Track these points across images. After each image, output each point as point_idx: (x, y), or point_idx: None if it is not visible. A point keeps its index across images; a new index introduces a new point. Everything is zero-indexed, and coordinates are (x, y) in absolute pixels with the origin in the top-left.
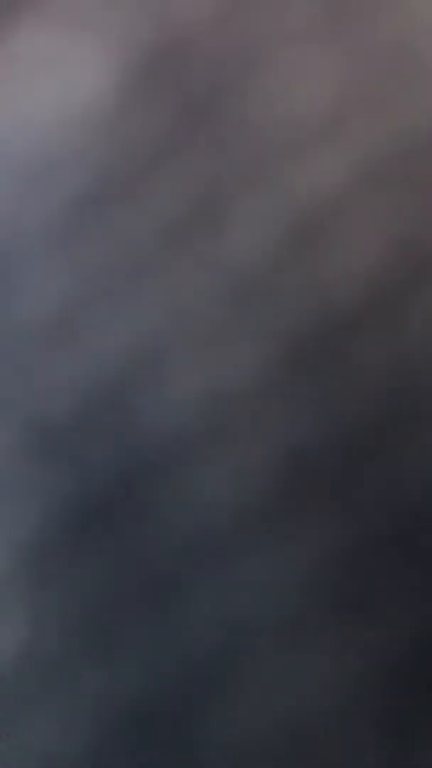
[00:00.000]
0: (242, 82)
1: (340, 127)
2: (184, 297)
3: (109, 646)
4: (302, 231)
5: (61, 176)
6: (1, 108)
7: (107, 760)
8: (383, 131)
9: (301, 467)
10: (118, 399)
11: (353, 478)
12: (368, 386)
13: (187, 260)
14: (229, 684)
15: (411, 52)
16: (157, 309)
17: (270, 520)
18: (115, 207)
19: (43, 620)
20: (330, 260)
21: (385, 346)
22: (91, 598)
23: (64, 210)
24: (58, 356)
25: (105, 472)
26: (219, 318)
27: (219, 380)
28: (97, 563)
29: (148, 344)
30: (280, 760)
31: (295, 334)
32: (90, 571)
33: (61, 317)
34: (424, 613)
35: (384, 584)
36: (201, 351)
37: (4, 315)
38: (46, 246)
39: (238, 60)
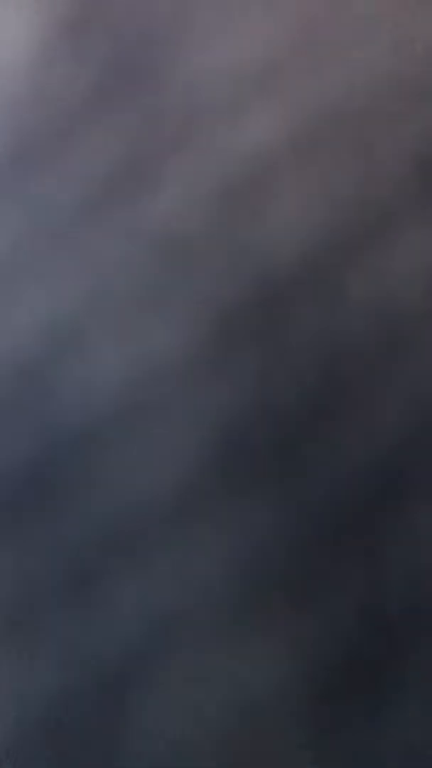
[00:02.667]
0: (172, 38)
1: (274, 84)
2: (106, 265)
3: (27, 639)
4: (233, 193)
5: None
6: None
7: (25, 754)
8: (319, 87)
9: (234, 448)
10: (34, 377)
11: (290, 459)
12: (305, 359)
13: (110, 226)
14: (154, 682)
15: (345, 5)
16: (77, 279)
17: (201, 506)
18: (31, 169)
19: None
20: (263, 224)
21: (322, 317)
22: (5, 589)
23: None
24: None
25: (20, 455)
26: (144, 288)
27: (144, 355)
28: (11, 553)
29: (66, 317)
30: (206, 761)
31: (226, 305)
32: (3, 561)
33: None
34: (364, 605)
35: (323, 573)
36: (125, 324)
37: None
38: None
39: (168, 15)
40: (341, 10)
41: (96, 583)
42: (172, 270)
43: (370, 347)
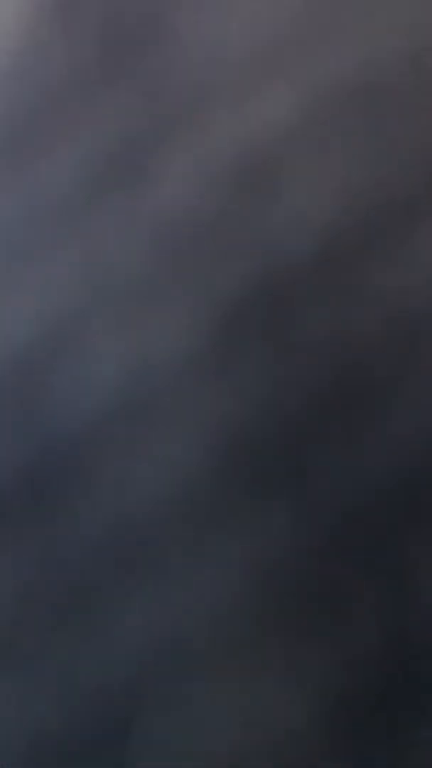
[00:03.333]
0: (175, 15)
1: (288, 60)
2: (106, 256)
3: (22, 659)
4: (243, 179)
5: None
6: None
7: None
8: (341, 65)
9: (240, 452)
10: (29, 374)
11: (299, 463)
12: (316, 358)
13: (110, 214)
14: (155, 707)
15: None
16: (75, 269)
17: (205, 515)
18: (28, 154)
19: None
20: (273, 212)
21: (335, 312)
22: None
23: None
24: None
25: (14, 458)
26: (146, 280)
27: (146, 351)
28: (4, 563)
29: (64, 310)
30: None
31: (232, 298)
32: None
33: None
34: (383, 627)
35: (341, 593)
36: (125, 318)
37: None
38: None
39: None
40: None
41: (94, 596)
42: (175, 261)
43: (386, 346)
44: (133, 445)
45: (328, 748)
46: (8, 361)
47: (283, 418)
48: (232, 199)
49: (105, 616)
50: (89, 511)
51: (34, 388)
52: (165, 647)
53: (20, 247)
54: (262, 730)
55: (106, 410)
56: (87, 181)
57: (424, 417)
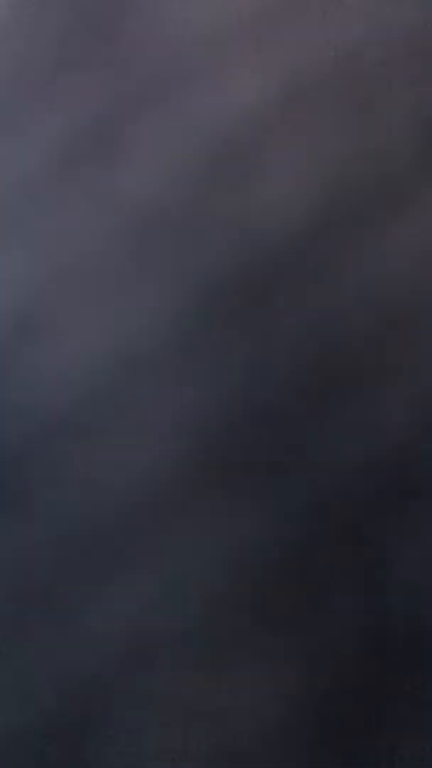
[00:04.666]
0: None
1: (263, 40)
2: (76, 240)
3: None
4: (215, 161)
5: None
6: None
7: None
8: (316, 48)
9: (213, 442)
10: (1, 363)
11: (277, 454)
12: (293, 346)
13: (80, 196)
14: (127, 701)
15: None
16: (44, 254)
17: (181, 505)
18: None
19: None
20: (249, 198)
21: (317, 295)
22: None
23: None
24: None
25: None
26: (118, 264)
27: (118, 338)
28: None
29: (33, 297)
30: None
31: (207, 282)
32: None
33: None
34: (364, 620)
35: (323, 587)
36: (97, 304)
37: None
38: None
39: None
40: None
41: (63, 590)
42: (149, 248)
43: (365, 334)
44: (104, 433)
45: (306, 737)
46: None
47: (256, 407)
48: (206, 186)
49: (72, 607)
50: (57, 500)
51: (4, 376)
52: (134, 638)
53: None
54: (236, 719)
55: (80, 398)
56: (57, 165)
57: (398, 406)
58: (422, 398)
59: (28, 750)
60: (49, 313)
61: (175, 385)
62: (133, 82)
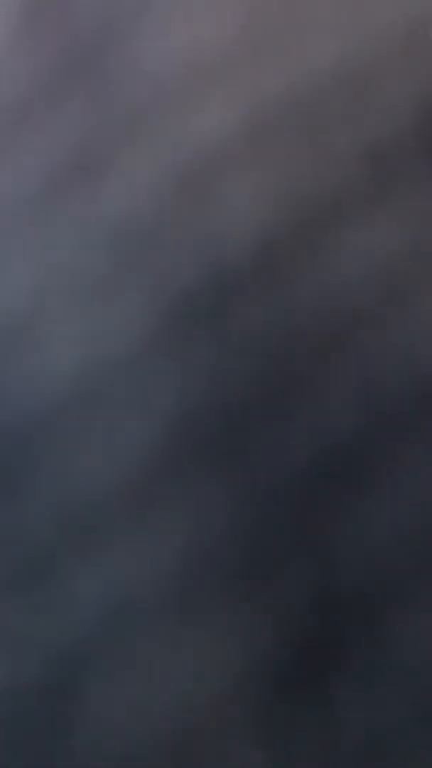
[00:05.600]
0: (127, 26)
1: (229, 74)
2: (58, 254)
3: None
4: (187, 183)
5: None
6: None
7: None
8: (275, 78)
9: (187, 437)
10: None
11: (244, 445)
12: (257, 348)
13: (61, 216)
14: (105, 673)
15: None
16: (28, 268)
17: (152, 495)
18: None
19: None
20: (217, 214)
21: (279, 305)
22: None
23: None
24: None
25: None
26: (96, 277)
27: (96, 344)
28: None
29: (18, 307)
30: (157, 753)
31: (178, 294)
32: None
33: None
34: (312, 594)
35: (279, 562)
36: (77, 313)
37: None
38: None
39: (120, 3)
40: (295, 0)
41: (48, 571)
42: (124, 260)
43: (321, 337)
44: (84, 429)
45: (262, 705)
46: None
47: (224, 404)
48: (178, 201)
49: (56, 586)
50: (41, 490)
51: None
52: (112, 614)
53: None
54: (205, 686)
55: (57, 398)
56: (40, 185)
57: (352, 402)
58: (369, 395)
59: (16, 711)
60: (35, 317)
61: (147, 382)
62: (112, 114)
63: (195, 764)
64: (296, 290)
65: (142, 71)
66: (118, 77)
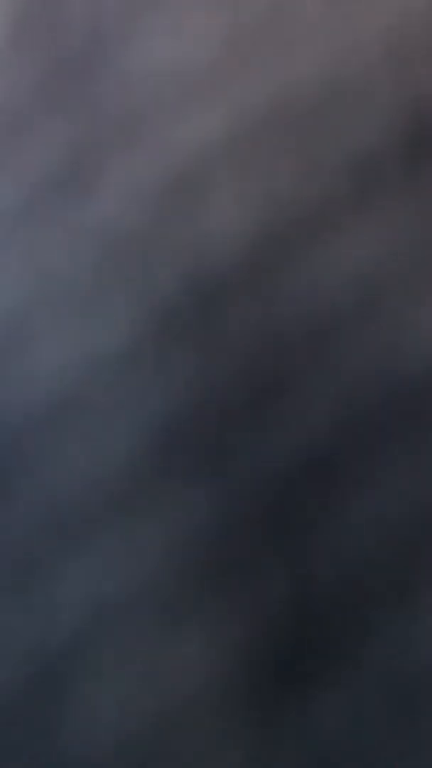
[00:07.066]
0: (116, 36)
1: (219, 84)
2: (49, 261)
3: None
4: (176, 191)
5: None
6: None
7: None
8: (263, 88)
9: (173, 439)
10: None
11: (226, 450)
12: (244, 354)
13: (53, 222)
14: (90, 670)
15: (292, 10)
16: (20, 274)
17: (138, 496)
18: None
19: None
20: (205, 222)
21: (261, 312)
22: None
23: None
24: None
25: None
26: (86, 283)
27: (86, 348)
28: None
29: (9, 312)
30: (142, 749)
31: (168, 299)
32: None
33: None
34: (291, 596)
35: (257, 563)
36: (67, 318)
37: None
38: None
39: (110, 13)
40: (284, 11)
41: (33, 572)
42: (112, 267)
43: (304, 343)
44: (74, 432)
45: (242, 704)
46: None
47: (207, 410)
48: (165, 210)
49: (41, 586)
50: (27, 493)
51: None
52: (97, 613)
53: None
54: (186, 684)
55: (47, 403)
56: (30, 193)
57: (332, 409)
58: (350, 402)
59: (1, 708)
60: (26, 323)
61: (133, 387)
62: (101, 125)
63: (176, 761)
64: (280, 298)
65: (130, 81)
66: (106, 87)
